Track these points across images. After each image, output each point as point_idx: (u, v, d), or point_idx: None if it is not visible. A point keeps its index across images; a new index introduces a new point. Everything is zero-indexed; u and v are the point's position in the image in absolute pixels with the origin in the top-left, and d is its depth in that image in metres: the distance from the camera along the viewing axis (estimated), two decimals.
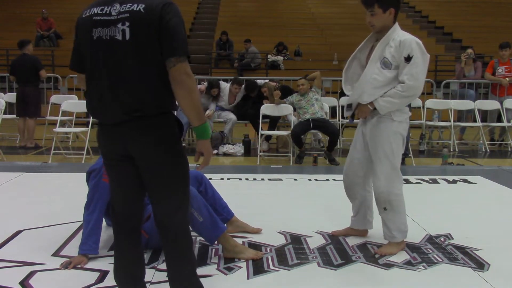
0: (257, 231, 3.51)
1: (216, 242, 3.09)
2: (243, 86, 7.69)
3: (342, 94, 8.81)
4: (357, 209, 3.46)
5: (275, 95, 7.24)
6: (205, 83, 7.73)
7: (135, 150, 2.07)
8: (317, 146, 8.22)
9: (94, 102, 2.09)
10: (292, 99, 7.07)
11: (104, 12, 2.03)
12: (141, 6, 1.98)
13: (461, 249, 3.29)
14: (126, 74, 2.00)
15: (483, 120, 8.43)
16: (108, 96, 2.03)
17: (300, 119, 6.91)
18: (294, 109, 7.07)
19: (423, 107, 8.07)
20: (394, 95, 3.02)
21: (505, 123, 8.10)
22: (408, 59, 2.96)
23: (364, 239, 3.44)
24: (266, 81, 7.97)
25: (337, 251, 3.23)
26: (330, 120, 7.97)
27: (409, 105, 3.24)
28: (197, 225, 2.99)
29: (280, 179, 5.50)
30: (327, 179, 5.54)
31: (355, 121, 3.50)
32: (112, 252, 3.13)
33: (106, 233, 3.42)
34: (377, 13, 3.06)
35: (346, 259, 3.09)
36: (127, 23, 1.98)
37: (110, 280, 2.73)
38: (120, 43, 1.99)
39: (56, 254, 3.12)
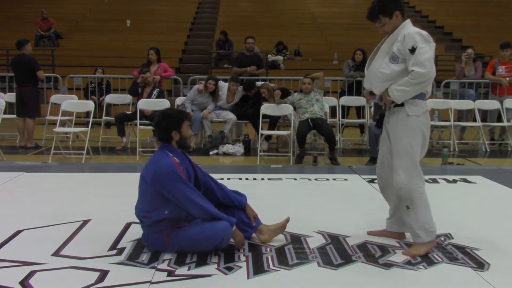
0: (286, 222, 3.44)
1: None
2: (242, 85, 7.68)
3: (342, 94, 8.81)
4: (393, 211, 3.45)
5: (275, 94, 7.23)
6: (203, 82, 7.71)
7: None
8: (321, 144, 8.16)
9: None
10: (292, 99, 7.06)
11: None
12: None
13: (461, 248, 3.29)
14: None
15: (483, 120, 8.41)
16: None
17: (299, 119, 6.91)
18: (294, 109, 7.07)
19: None
20: (406, 84, 3.07)
21: (505, 123, 8.10)
22: (412, 50, 3.03)
23: (364, 239, 3.44)
24: (265, 82, 7.95)
25: (337, 251, 3.23)
26: (330, 119, 7.97)
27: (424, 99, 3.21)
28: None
29: (280, 179, 5.49)
30: (327, 179, 5.54)
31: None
32: (112, 252, 3.15)
33: (106, 233, 3.43)
34: (386, 22, 3.18)
35: (346, 259, 3.09)
36: None
37: (110, 280, 2.74)
38: None
39: (56, 254, 3.11)
